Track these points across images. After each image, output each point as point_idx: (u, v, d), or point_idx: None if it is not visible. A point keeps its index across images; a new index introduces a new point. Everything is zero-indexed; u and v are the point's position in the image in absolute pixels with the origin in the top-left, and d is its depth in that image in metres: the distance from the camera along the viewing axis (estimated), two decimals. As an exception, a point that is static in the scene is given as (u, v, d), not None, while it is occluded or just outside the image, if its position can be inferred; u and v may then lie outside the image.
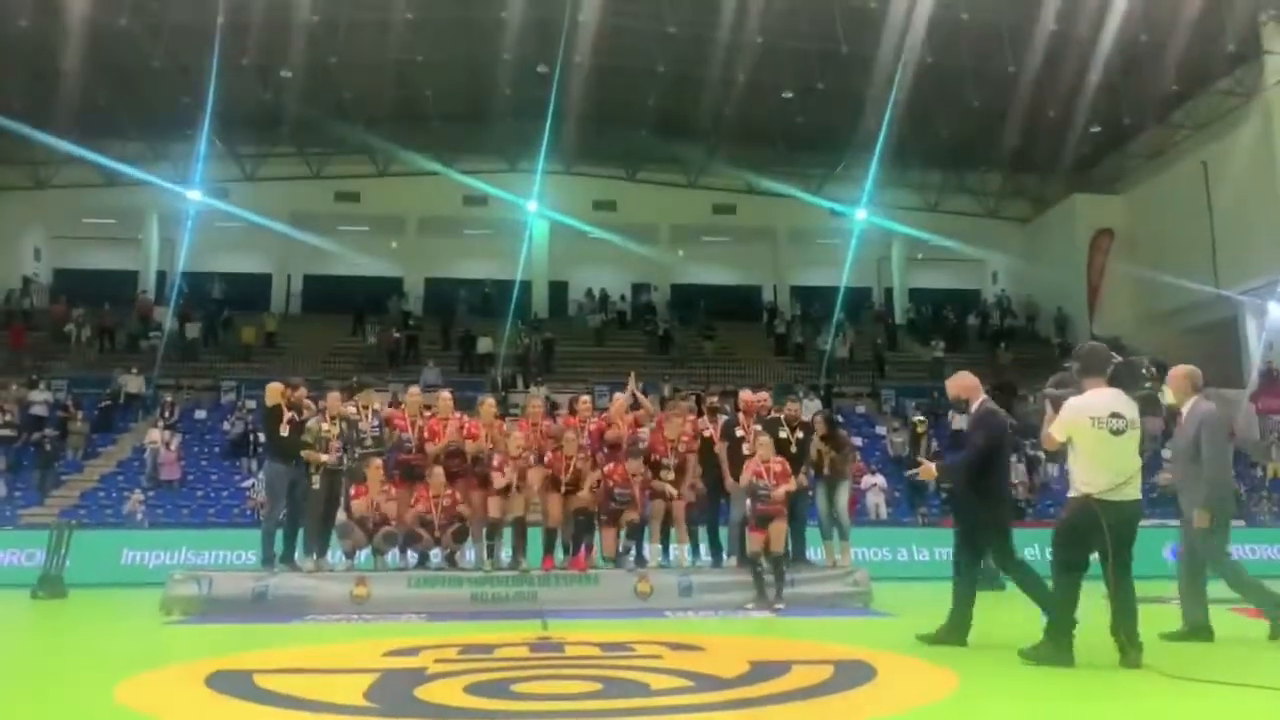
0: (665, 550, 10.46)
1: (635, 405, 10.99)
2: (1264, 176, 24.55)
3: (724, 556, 10.36)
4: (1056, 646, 5.54)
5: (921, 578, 14.64)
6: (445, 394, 10.96)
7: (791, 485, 9.47)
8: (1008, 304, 33.17)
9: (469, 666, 5.82)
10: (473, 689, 4.99)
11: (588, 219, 31.15)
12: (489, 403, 10.76)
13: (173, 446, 20.79)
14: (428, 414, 10.57)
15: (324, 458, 9.79)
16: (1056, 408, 5.98)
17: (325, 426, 9.97)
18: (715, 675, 5.43)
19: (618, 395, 11.14)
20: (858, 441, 22.65)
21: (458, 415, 10.50)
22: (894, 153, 27.92)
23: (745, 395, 10.76)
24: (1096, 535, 5.53)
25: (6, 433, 21.11)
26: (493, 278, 31.66)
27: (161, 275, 31.36)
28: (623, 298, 32.51)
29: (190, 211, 29.33)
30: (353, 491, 9.90)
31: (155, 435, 20.96)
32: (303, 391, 10.41)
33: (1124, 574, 5.61)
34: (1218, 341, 26.92)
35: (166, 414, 22.26)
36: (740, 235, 34.13)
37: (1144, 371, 6.30)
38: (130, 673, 5.53)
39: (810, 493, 10.82)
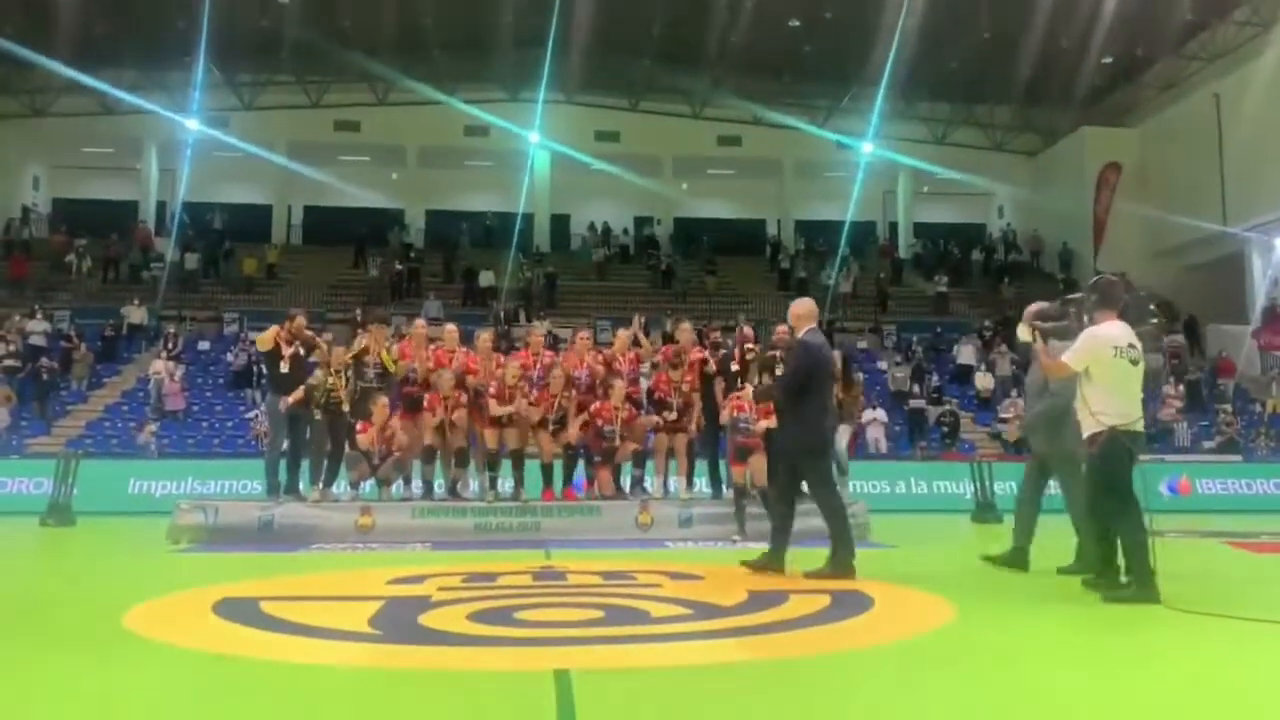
0: (665, 483, 10.55)
1: (636, 343, 10.99)
2: (1277, 110, 24.15)
3: (724, 489, 10.44)
4: (1146, 589, 5.42)
5: (920, 510, 14.80)
6: (451, 327, 10.98)
7: (773, 420, 9.48)
8: (1013, 238, 32.95)
9: (472, 594, 5.90)
10: (476, 616, 5.07)
11: (590, 150, 30.78)
12: (484, 336, 10.78)
13: (177, 377, 20.88)
14: (432, 346, 10.59)
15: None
16: (1045, 339, 6.04)
17: (331, 380, 9.98)
18: (714, 604, 5.50)
19: (621, 331, 11.14)
20: (859, 377, 22.81)
21: (463, 349, 10.52)
22: (902, 84, 27.49)
23: (746, 331, 10.77)
24: (1128, 465, 5.57)
25: (11, 363, 21.16)
26: (494, 210, 31.44)
27: (162, 205, 31.19)
28: (625, 231, 32.30)
29: (188, 141, 29.04)
30: (359, 426, 9.97)
31: (160, 366, 21.04)
32: (302, 320, 10.40)
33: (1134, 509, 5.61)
34: (1222, 278, 26.81)
35: (170, 345, 22.31)
36: (745, 168, 33.75)
37: (1151, 308, 6.40)
38: (138, 600, 5.61)
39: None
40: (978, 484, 13.88)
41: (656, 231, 32.38)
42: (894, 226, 34.13)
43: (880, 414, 20.39)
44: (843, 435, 10.58)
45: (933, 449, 20.35)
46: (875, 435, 19.95)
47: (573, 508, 10.05)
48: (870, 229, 33.55)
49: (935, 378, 23.51)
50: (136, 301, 24.22)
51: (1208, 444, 21.08)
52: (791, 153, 32.85)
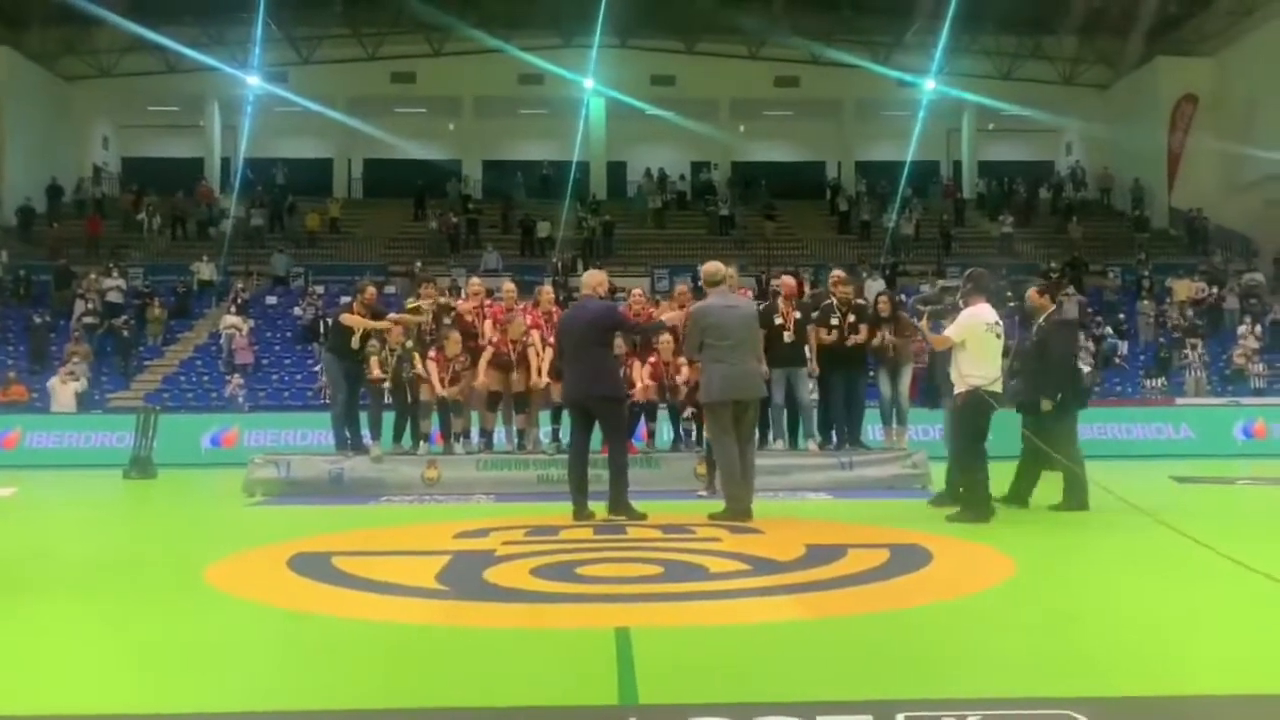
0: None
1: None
2: (1367, 33, 22.90)
3: (770, 439, 10.37)
4: (979, 512, 6.91)
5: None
6: (510, 285, 10.99)
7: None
8: (1081, 176, 31.95)
9: (535, 549, 6.04)
10: (538, 572, 5.20)
11: (645, 96, 30.42)
12: (547, 293, 10.84)
13: (245, 332, 21.40)
14: (489, 303, 10.68)
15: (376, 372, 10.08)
16: (929, 318, 7.72)
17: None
18: (772, 559, 5.56)
19: (680, 285, 11.13)
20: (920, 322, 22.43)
21: (522, 305, 10.55)
22: (965, 17, 26.51)
23: (787, 280, 10.66)
24: (987, 417, 7.17)
25: (90, 320, 21.88)
26: (550, 159, 31.39)
27: (226, 162, 31.70)
28: (682, 177, 32.02)
29: (249, 97, 29.41)
30: (430, 355, 10.16)
31: (231, 320, 21.56)
32: (373, 291, 10.52)
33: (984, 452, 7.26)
34: (1302, 213, 25.77)
35: (238, 300, 22.85)
36: (804, 109, 33.14)
37: (1008, 295, 8.57)
38: (219, 554, 5.87)
39: (871, 373, 10.79)
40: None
41: (714, 176, 32.03)
42: (958, 166, 33.29)
43: (943, 359, 20.10)
44: (904, 379, 10.41)
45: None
46: (938, 381, 19.67)
47: (632, 460, 10.13)
48: (933, 169, 32.81)
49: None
50: (205, 258, 24.79)
51: (1286, 386, 20.44)
52: (851, 92, 32.13)
